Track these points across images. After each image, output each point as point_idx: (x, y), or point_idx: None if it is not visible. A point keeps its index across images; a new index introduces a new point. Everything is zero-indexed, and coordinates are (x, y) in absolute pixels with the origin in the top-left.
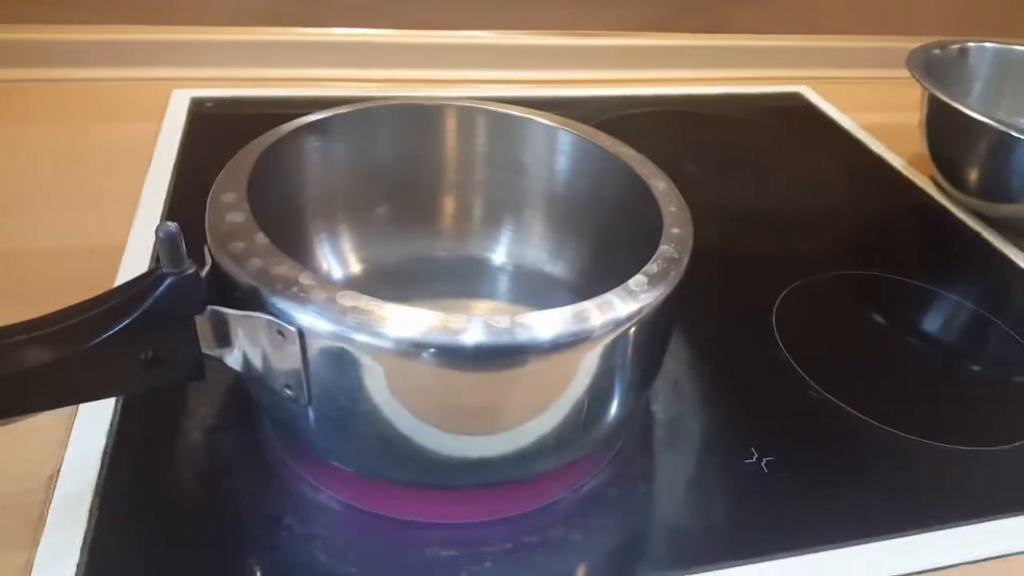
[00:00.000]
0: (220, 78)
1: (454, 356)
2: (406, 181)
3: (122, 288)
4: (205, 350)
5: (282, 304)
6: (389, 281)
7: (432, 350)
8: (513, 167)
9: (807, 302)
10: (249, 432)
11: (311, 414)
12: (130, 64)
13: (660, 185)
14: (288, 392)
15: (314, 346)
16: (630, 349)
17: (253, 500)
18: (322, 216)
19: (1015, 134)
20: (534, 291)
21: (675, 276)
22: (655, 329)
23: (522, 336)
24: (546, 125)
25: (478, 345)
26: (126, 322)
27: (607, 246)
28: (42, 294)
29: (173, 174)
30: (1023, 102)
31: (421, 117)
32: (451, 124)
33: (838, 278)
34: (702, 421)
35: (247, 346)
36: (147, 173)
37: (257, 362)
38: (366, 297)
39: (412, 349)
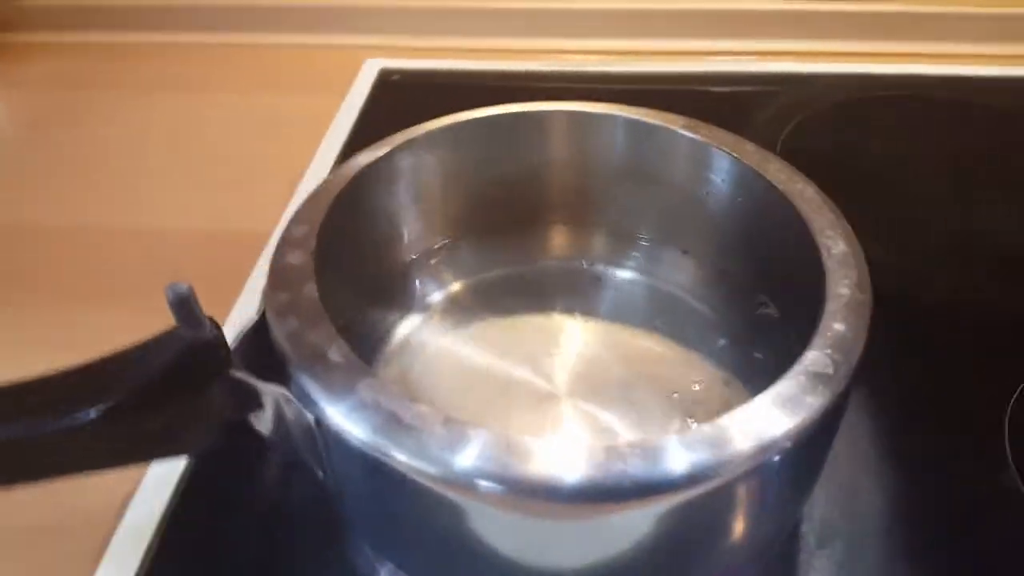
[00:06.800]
0: (415, 47)
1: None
2: (517, 195)
3: (129, 350)
4: (228, 416)
5: (302, 382)
6: (494, 298)
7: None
8: (648, 179)
9: None
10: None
11: (344, 505)
12: (323, 30)
13: (838, 247)
14: (320, 475)
15: (332, 441)
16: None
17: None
18: (421, 235)
19: None
20: (666, 315)
21: (819, 403)
22: (793, 468)
23: (626, 476)
24: (696, 141)
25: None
26: (128, 391)
27: (755, 288)
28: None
29: (341, 155)
30: None
31: (533, 126)
32: (567, 133)
33: None
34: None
35: (275, 416)
36: (315, 151)
37: (286, 437)
38: (395, 392)
39: (453, 476)
